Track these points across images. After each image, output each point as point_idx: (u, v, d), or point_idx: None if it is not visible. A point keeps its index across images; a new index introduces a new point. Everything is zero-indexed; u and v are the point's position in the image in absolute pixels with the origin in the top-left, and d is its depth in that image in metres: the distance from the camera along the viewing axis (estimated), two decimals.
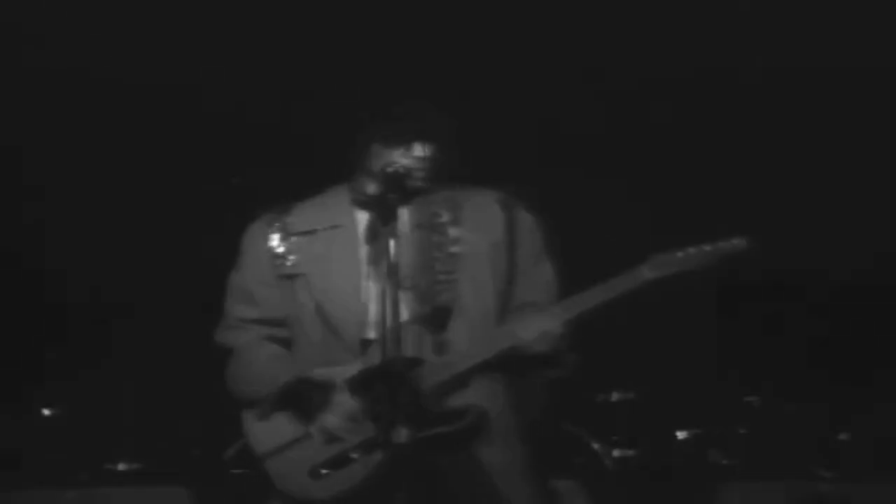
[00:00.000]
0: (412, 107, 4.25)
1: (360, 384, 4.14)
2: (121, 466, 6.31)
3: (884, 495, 5.95)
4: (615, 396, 6.63)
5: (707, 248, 4.19)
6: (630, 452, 6.32)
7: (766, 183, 6.95)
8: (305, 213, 4.36)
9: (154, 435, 6.56)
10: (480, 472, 4.18)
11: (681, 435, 6.47)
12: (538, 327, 4.15)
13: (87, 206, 6.87)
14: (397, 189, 4.18)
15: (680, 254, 4.19)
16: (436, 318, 4.21)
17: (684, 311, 6.68)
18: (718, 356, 6.95)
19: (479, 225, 4.31)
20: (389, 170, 4.21)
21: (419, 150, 4.23)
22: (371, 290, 4.23)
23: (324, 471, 4.14)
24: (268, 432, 4.21)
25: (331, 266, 4.27)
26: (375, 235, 4.26)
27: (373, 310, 4.21)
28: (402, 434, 3.97)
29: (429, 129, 4.24)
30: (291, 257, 4.32)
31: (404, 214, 4.28)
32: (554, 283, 4.35)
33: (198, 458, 6.46)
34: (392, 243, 4.02)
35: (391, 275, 3.99)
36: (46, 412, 6.72)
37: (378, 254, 4.23)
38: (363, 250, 4.27)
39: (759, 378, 6.81)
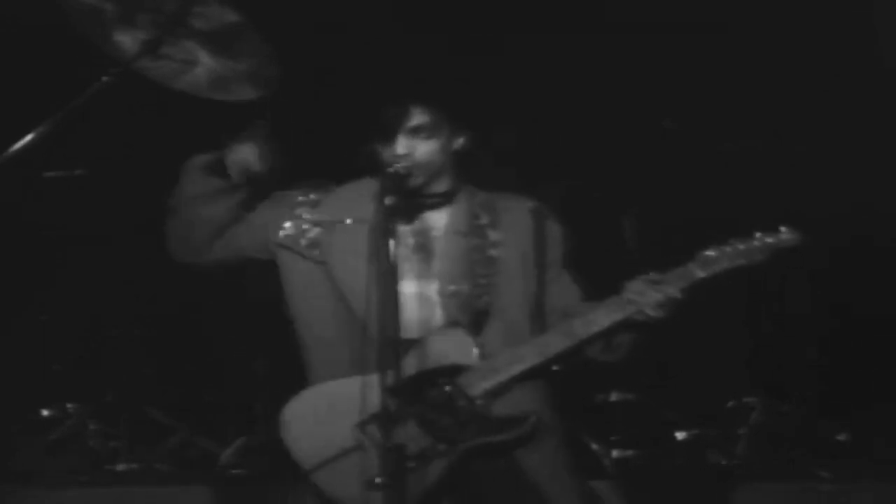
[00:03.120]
0: (395, 102, 4.24)
1: (404, 392, 4.09)
2: (120, 467, 6.31)
3: (884, 495, 5.94)
4: (614, 397, 6.62)
5: (755, 242, 4.15)
6: (629, 453, 6.31)
7: (765, 179, 6.95)
8: (335, 201, 4.34)
9: (154, 435, 6.56)
10: (523, 476, 4.17)
11: (680, 435, 6.46)
12: (655, 297, 4.13)
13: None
14: (396, 190, 4.17)
15: (728, 249, 4.16)
16: (473, 322, 4.20)
17: (683, 311, 6.67)
18: (718, 356, 6.95)
19: (513, 230, 4.32)
20: (389, 170, 4.21)
21: (402, 146, 4.22)
22: (402, 290, 4.16)
23: (380, 481, 4.09)
24: (314, 444, 4.17)
25: (357, 261, 4.23)
26: (394, 233, 4.25)
27: (403, 310, 4.14)
28: (450, 442, 3.98)
29: (411, 124, 4.23)
30: (310, 236, 4.29)
31: (443, 218, 4.29)
32: (577, 290, 4.36)
33: (197, 458, 6.46)
34: (392, 244, 4.01)
35: (392, 277, 3.98)
36: (46, 412, 6.73)
37: (412, 252, 4.23)
38: (392, 247, 4.23)
39: (759, 378, 6.80)
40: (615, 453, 6.29)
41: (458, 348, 4.16)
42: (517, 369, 4.16)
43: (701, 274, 4.15)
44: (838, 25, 6.80)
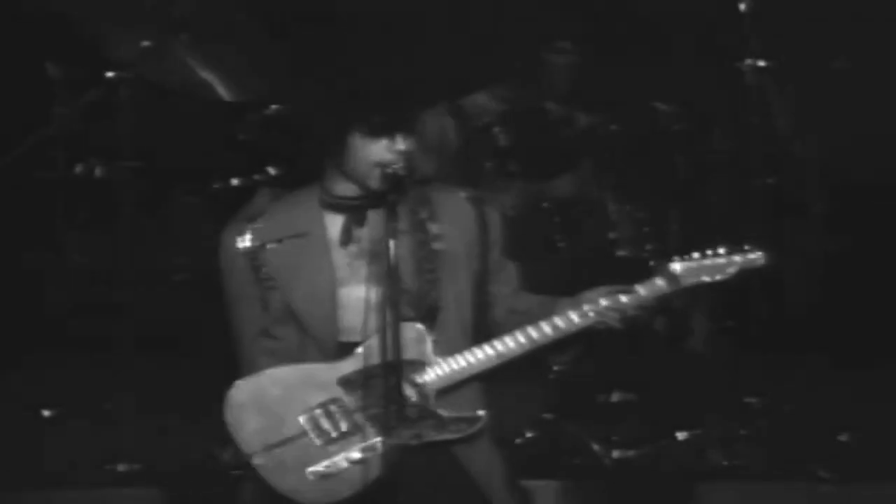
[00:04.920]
0: (393, 96, 4.24)
1: (358, 384, 4.12)
2: (121, 467, 6.30)
3: (884, 495, 5.94)
4: (615, 397, 6.63)
5: (722, 260, 4.17)
6: (630, 453, 6.31)
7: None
8: (274, 221, 4.32)
9: (153, 435, 6.55)
10: (465, 476, 4.18)
11: (681, 436, 6.46)
12: (612, 315, 4.15)
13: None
14: (397, 189, 4.17)
15: (693, 265, 4.18)
16: (425, 317, 4.21)
17: (684, 311, 6.68)
18: (718, 356, 6.95)
19: (454, 222, 4.31)
20: (389, 171, 4.20)
21: (402, 142, 4.22)
22: (350, 295, 4.20)
23: (322, 473, 4.12)
24: (259, 429, 4.17)
25: (302, 274, 4.24)
26: (350, 239, 4.25)
27: (351, 315, 4.18)
28: (398, 437, 3.98)
29: (410, 120, 4.23)
30: (264, 268, 4.29)
31: (377, 219, 4.26)
32: (517, 277, 4.39)
33: (197, 458, 6.45)
34: (392, 244, 4.01)
35: (392, 275, 3.99)
36: (46, 412, 6.72)
37: (354, 257, 4.22)
38: (337, 255, 4.24)
39: (759, 378, 6.79)
40: (616, 454, 6.29)
41: (413, 344, 4.16)
42: (474, 368, 4.17)
43: (667, 288, 4.18)
44: None
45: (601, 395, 6.62)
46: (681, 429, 6.48)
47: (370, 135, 4.21)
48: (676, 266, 4.17)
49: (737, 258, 4.17)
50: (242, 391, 4.21)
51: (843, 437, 6.46)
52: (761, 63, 6.64)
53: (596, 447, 6.25)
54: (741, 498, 6.01)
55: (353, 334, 4.17)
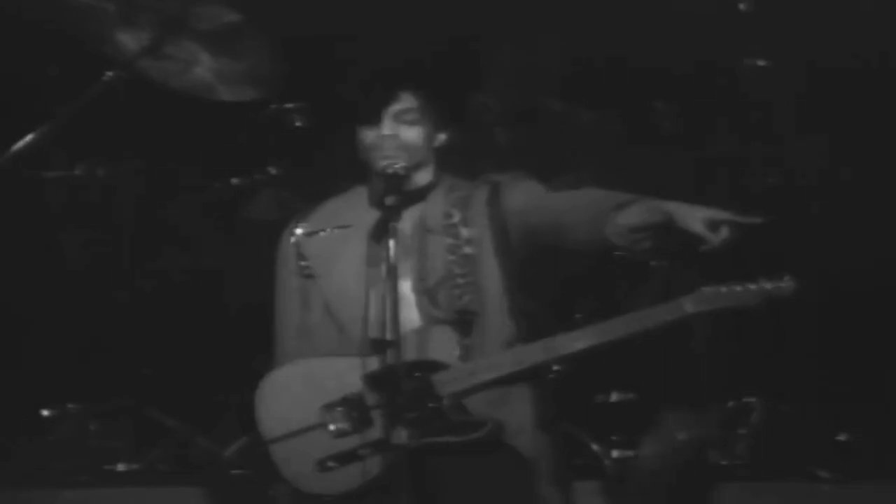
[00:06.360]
0: (384, 85, 4.24)
1: (378, 381, 4.13)
2: (121, 467, 6.30)
3: (884, 495, 5.95)
4: (615, 397, 6.63)
5: (753, 287, 4.16)
6: (629, 453, 6.32)
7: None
8: (322, 214, 4.37)
9: (154, 434, 6.55)
10: (488, 473, 4.19)
11: (681, 435, 6.46)
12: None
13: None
14: (396, 190, 4.17)
15: (724, 290, 4.17)
16: (460, 322, 4.21)
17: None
18: (718, 356, 6.94)
19: (485, 223, 4.31)
20: (388, 171, 4.20)
21: (388, 126, 4.22)
22: (375, 292, 4.22)
23: (331, 464, 4.15)
24: (279, 419, 4.20)
25: (339, 265, 4.26)
26: (381, 234, 4.26)
27: (379, 311, 4.20)
28: (406, 437, 3.99)
29: (398, 107, 4.23)
30: (308, 256, 4.33)
31: (415, 214, 4.28)
32: (539, 187, 4.41)
33: (198, 458, 6.45)
34: (392, 244, 4.01)
35: (390, 277, 3.99)
36: (46, 412, 6.72)
37: (379, 255, 4.23)
38: (380, 250, 4.24)
39: (759, 378, 6.80)
40: (615, 453, 6.30)
41: (440, 346, 4.17)
42: (491, 376, 4.18)
43: (691, 309, 4.18)
44: None
45: (601, 395, 6.62)
46: (681, 429, 6.48)
47: (361, 121, 4.23)
48: (708, 290, 4.17)
49: (767, 286, 4.16)
50: (272, 379, 4.26)
51: (842, 437, 6.47)
52: (761, 63, 6.65)
53: (596, 447, 6.26)
54: (741, 498, 6.01)
55: (384, 330, 4.17)
